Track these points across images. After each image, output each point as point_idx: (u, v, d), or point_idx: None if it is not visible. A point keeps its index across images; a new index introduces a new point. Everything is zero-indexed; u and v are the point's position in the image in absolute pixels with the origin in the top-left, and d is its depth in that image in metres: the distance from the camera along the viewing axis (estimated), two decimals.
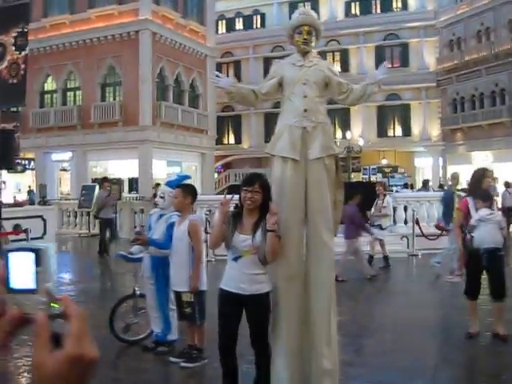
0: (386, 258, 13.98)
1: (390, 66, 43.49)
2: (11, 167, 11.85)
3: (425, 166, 44.35)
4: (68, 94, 35.36)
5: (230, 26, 49.43)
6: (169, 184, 7.13)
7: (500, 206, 24.93)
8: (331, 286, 5.30)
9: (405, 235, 16.67)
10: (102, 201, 16.91)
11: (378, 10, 45.85)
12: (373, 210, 14.29)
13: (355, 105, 6.07)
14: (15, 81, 10.61)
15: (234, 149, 48.14)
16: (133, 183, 33.13)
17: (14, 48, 10.72)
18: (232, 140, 49.02)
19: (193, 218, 6.41)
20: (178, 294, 6.40)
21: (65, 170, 36.79)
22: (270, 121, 47.51)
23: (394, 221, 18.01)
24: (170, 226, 6.68)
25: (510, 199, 25.21)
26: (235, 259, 5.06)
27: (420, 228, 16.27)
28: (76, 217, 23.45)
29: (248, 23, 49.27)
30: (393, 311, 9.47)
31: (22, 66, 10.57)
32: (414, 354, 6.93)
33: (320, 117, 5.41)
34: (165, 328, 6.91)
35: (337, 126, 46.05)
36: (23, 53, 10.60)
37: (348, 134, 40.87)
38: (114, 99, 33.80)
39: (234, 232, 5.04)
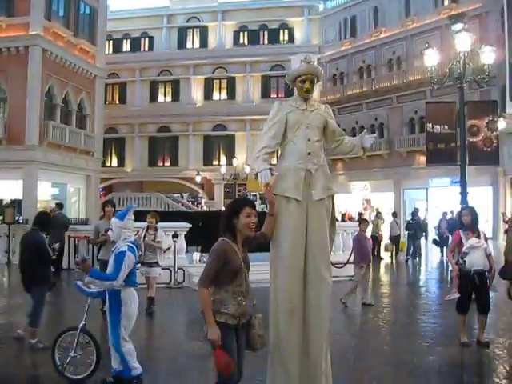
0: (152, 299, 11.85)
1: (276, 95, 44.70)
2: None
3: None
4: None
5: (117, 47, 48.94)
6: (117, 216, 6.95)
7: (389, 234, 26.33)
8: (328, 320, 5.48)
9: None
10: None
11: (266, 41, 47.10)
12: (142, 245, 11.59)
13: (339, 154, 6.35)
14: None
15: (116, 171, 47.43)
16: (15, 205, 31.55)
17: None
18: (115, 163, 48.24)
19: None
20: None
21: None
22: (155, 144, 47.41)
23: None
24: (118, 256, 6.48)
25: (397, 228, 26.48)
26: None
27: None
28: None
29: (136, 45, 48.99)
30: None
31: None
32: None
33: (321, 159, 5.62)
34: (123, 366, 6.49)
35: (221, 153, 46.62)
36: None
37: (234, 161, 41.35)
38: None
39: None
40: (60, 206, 19.69)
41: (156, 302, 11.70)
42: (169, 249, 15.55)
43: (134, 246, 6.75)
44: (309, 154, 5.53)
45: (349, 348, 8.80)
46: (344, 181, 43.01)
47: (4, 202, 27.70)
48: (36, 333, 8.53)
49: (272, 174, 5.52)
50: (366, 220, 15.62)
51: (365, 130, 5.98)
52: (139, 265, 11.61)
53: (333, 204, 5.73)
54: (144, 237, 11.71)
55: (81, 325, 6.92)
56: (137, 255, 6.88)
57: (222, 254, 4.69)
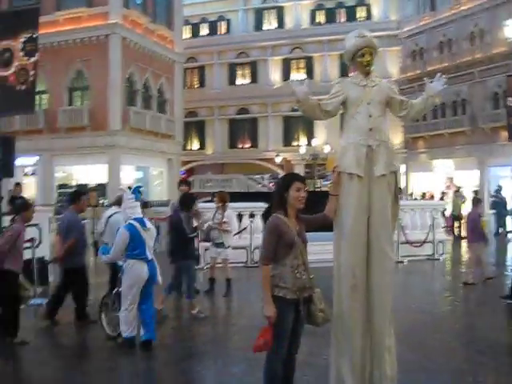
0: (228, 280, 11.75)
1: (353, 74, 44.13)
2: (12, 176, 11.60)
3: None
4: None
5: (195, 32, 49.37)
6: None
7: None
8: (391, 296, 5.47)
9: None
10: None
11: (343, 19, 46.48)
12: (209, 223, 11.73)
13: (416, 119, 6.20)
14: (23, 87, 10.38)
15: (197, 154, 48.10)
16: (98, 189, 32.63)
17: (22, 54, 10.49)
18: (196, 146, 48.92)
19: None
20: None
21: (26, 174, 35.99)
22: (234, 126, 47.74)
23: None
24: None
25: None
26: None
27: (405, 235, 16.59)
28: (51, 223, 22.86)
29: (213, 29, 49.30)
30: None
31: (32, 73, 10.35)
32: None
33: (383, 135, 5.57)
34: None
35: (301, 133, 46.50)
36: (32, 59, 10.39)
37: (313, 141, 41.24)
38: (82, 103, 33.37)
39: None
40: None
41: (233, 281, 11.82)
42: (245, 229, 15.84)
43: (133, 223, 7.66)
44: (370, 129, 5.50)
45: (419, 324, 8.76)
46: (425, 159, 42.16)
47: (89, 186, 28.61)
48: (194, 304, 9.60)
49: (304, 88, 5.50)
50: (479, 200, 15.14)
51: (428, 80, 5.78)
52: (209, 244, 11.99)
53: (396, 181, 5.69)
54: (213, 217, 11.73)
55: (114, 291, 8.12)
56: (141, 230, 7.66)
57: (274, 228, 4.88)
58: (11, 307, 7.87)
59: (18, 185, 18.69)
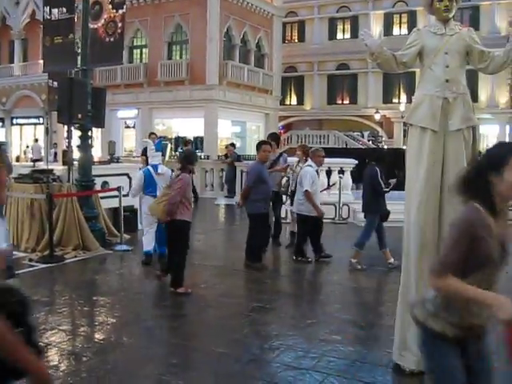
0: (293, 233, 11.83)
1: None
2: (103, 126, 11.98)
3: (489, 134, 42.94)
4: (135, 51, 35.53)
5: None
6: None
7: None
8: None
9: None
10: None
11: None
12: (289, 176, 11.71)
13: (496, 73, 5.82)
14: (112, 39, 10.67)
15: (295, 110, 47.71)
16: (197, 142, 33.23)
17: (110, 6, 10.78)
18: (294, 101, 48.59)
19: None
20: None
21: (128, 127, 37.09)
22: (334, 82, 47.05)
23: None
24: None
25: None
26: None
27: None
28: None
29: None
30: None
31: (119, 25, 10.60)
32: None
33: (461, 87, 5.30)
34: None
35: (401, 90, 45.40)
36: (120, 11, 10.62)
37: (414, 98, 40.03)
38: (181, 57, 33.83)
39: None
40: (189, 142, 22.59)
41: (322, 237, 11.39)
42: (334, 185, 15.66)
43: (149, 168, 10.05)
44: (447, 81, 5.24)
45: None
46: None
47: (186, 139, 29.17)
48: (358, 254, 9.85)
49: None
50: None
51: None
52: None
53: (474, 136, 5.40)
54: (293, 171, 11.59)
55: None
56: (153, 172, 9.88)
57: (467, 227, 2.94)
58: (182, 255, 8.09)
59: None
